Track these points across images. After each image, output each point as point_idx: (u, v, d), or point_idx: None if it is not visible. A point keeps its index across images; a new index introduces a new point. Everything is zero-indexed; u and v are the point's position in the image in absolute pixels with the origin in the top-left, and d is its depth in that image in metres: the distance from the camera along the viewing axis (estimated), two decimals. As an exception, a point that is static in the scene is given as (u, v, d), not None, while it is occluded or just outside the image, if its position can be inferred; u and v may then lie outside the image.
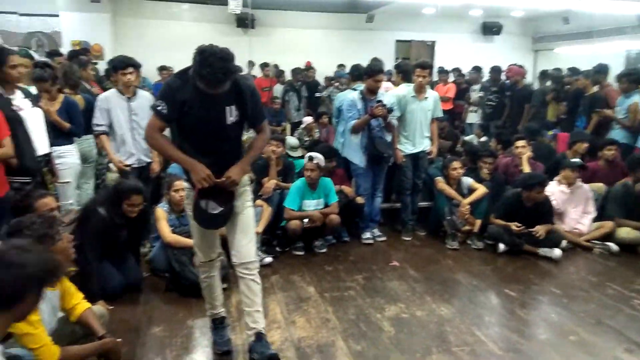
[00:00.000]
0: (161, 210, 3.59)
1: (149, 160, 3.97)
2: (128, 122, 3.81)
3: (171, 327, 2.89)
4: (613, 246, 4.23)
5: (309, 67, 9.10)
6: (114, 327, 2.64)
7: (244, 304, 2.50)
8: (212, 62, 2.06)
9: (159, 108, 2.24)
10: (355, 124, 4.22)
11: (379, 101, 4.11)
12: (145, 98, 3.94)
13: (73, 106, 3.73)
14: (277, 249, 4.07)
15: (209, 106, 2.24)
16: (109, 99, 3.78)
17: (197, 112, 2.23)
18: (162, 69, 8.25)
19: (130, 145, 3.84)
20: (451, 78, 8.17)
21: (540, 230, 4.09)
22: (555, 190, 4.48)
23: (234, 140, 2.42)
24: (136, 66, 3.85)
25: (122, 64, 3.75)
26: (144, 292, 3.33)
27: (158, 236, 3.55)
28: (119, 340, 2.23)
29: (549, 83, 7.09)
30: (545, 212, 4.22)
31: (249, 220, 2.49)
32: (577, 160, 4.60)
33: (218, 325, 2.69)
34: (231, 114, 2.30)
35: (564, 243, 4.23)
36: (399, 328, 2.93)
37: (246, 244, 2.47)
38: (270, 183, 4.25)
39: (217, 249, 2.64)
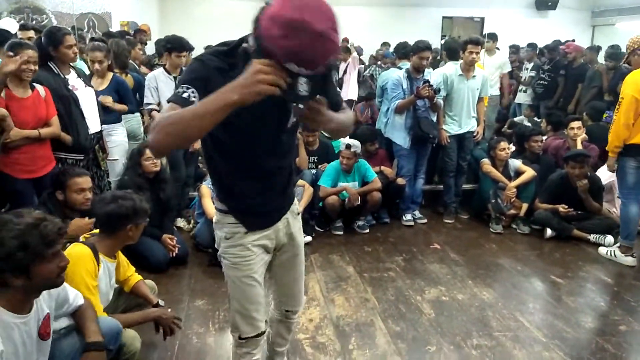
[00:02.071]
0: (206, 187, 3.68)
1: None
2: None
3: (214, 300, 2.99)
4: None
5: (346, 46, 8.93)
6: (160, 298, 2.75)
7: (275, 344, 2.03)
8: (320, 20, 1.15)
9: (184, 95, 1.32)
10: (399, 104, 4.14)
11: (426, 81, 4.00)
12: None
13: (122, 84, 3.84)
14: (317, 227, 4.09)
15: (267, 104, 1.25)
16: (157, 78, 3.87)
17: (247, 113, 1.29)
18: (208, 48, 8.35)
19: None
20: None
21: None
22: (603, 173, 4.26)
23: (290, 153, 1.68)
24: (191, 50, 3.90)
25: (180, 47, 3.77)
26: (188, 267, 3.45)
27: (202, 212, 3.65)
28: (165, 308, 2.32)
29: (603, 61, 6.63)
30: (595, 192, 4.04)
31: (304, 260, 1.89)
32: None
33: None
34: (294, 113, 1.50)
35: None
36: (439, 311, 2.90)
37: (301, 289, 1.91)
38: (303, 161, 4.27)
39: (266, 314, 1.80)
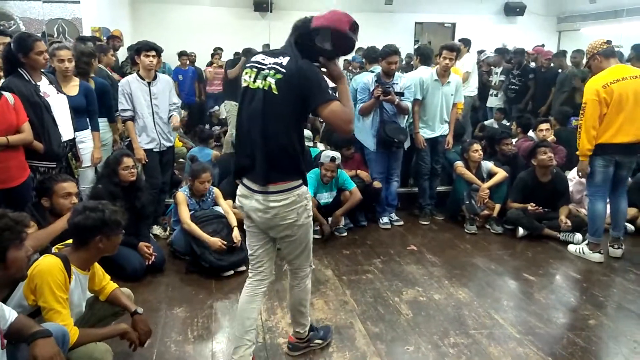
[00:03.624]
0: (182, 195, 3.66)
1: (169, 144, 4.04)
2: (149, 107, 3.86)
3: (192, 307, 2.97)
4: (629, 226, 4.22)
5: None
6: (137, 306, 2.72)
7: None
8: None
9: (334, 94, 2.02)
10: (362, 107, 4.23)
11: (380, 83, 4.08)
12: (165, 82, 3.99)
13: (91, 91, 3.75)
14: None
15: None
16: (130, 83, 3.84)
17: None
18: (181, 54, 8.28)
19: (151, 130, 3.90)
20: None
21: (563, 218, 4.04)
22: (570, 177, 4.43)
23: None
24: (158, 51, 3.88)
25: (146, 46, 3.80)
26: (165, 274, 3.41)
27: (178, 220, 3.61)
28: (143, 315, 2.28)
29: (570, 66, 6.87)
30: (562, 189, 4.22)
31: None
32: None
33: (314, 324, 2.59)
34: None
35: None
36: (416, 311, 2.95)
37: None
38: None
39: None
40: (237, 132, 2.17)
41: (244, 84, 2.09)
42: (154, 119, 3.89)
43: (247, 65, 2.11)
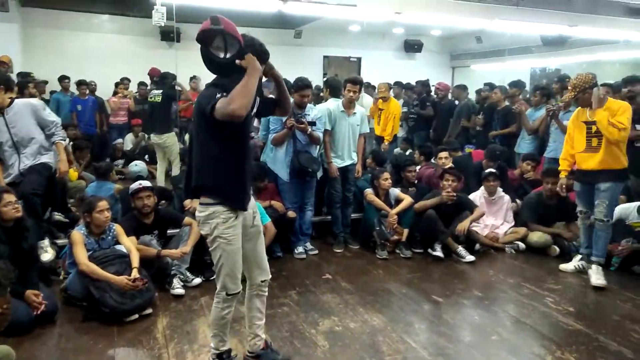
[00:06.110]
0: (78, 234, 3.35)
1: None
2: (9, 139, 3.64)
3: (89, 359, 2.68)
4: (520, 244, 4.64)
5: None
6: (22, 365, 2.41)
7: (256, 318, 2.60)
8: None
9: (223, 94, 2.16)
10: (275, 137, 4.25)
11: (294, 114, 4.15)
12: (22, 105, 3.72)
13: None
14: (203, 277, 3.74)
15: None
16: None
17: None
18: (80, 83, 7.76)
19: (11, 165, 3.67)
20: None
21: (461, 228, 4.38)
22: (478, 198, 4.77)
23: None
24: (6, 87, 3.64)
25: None
26: (58, 324, 3.07)
27: (74, 262, 3.30)
28: None
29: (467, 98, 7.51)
30: (461, 207, 4.58)
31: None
32: (490, 170, 4.93)
33: (226, 358, 2.54)
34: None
35: (477, 246, 4.59)
36: (333, 341, 2.93)
37: (266, 260, 2.61)
38: (194, 202, 4.12)
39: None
40: None
41: None
42: (17, 149, 3.64)
43: None
